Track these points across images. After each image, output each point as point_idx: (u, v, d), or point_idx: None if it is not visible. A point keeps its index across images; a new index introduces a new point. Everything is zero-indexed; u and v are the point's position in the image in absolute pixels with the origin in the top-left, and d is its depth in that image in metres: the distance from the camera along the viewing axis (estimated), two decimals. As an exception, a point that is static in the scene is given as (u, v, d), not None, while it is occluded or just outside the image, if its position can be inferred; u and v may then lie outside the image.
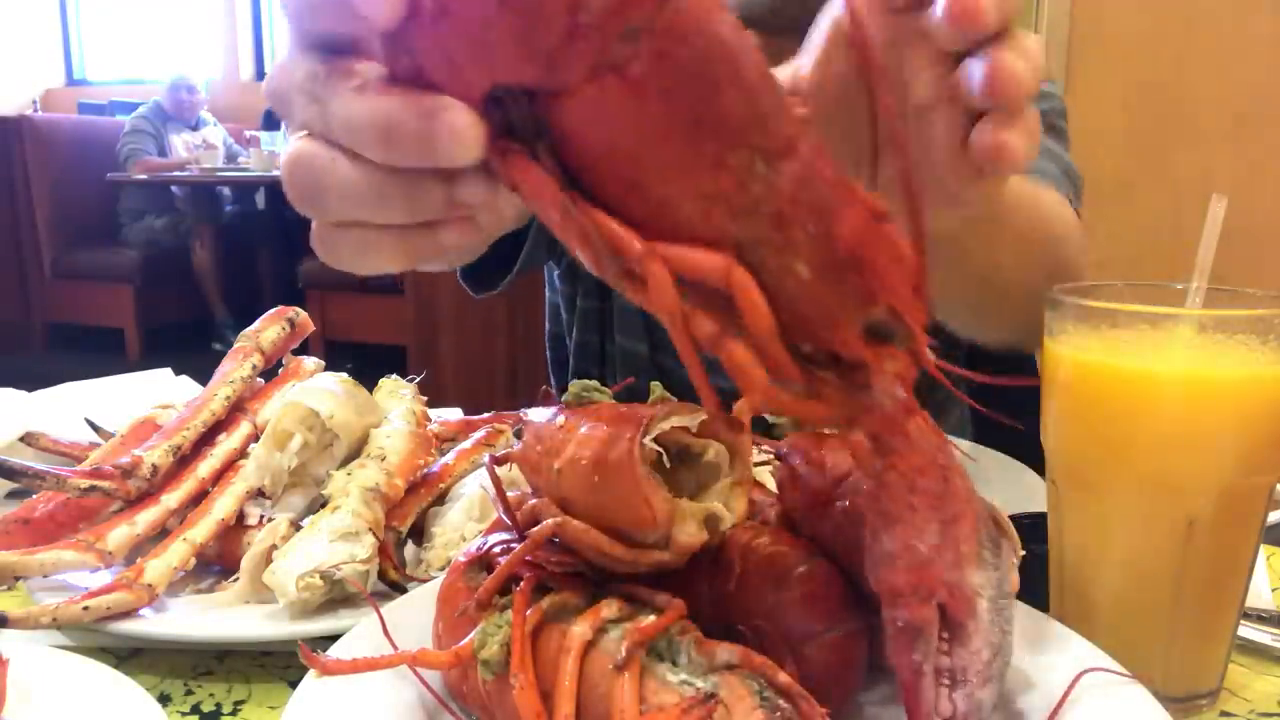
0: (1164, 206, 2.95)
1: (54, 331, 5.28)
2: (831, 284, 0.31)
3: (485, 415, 0.81)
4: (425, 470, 0.68)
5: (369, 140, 0.31)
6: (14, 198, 5.02)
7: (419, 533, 0.66)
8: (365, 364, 1.78)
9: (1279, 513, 0.66)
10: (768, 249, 0.31)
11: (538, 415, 0.46)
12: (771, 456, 0.50)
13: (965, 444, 0.85)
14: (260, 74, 6.55)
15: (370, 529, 0.58)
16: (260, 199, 5.31)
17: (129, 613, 0.55)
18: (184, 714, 0.50)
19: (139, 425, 0.72)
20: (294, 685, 0.43)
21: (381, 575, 0.59)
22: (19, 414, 0.87)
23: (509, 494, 0.47)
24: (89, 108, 6.19)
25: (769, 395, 0.32)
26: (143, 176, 4.93)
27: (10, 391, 0.98)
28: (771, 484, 0.51)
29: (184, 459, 0.67)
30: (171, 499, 0.63)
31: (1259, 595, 0.59)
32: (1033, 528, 0.54)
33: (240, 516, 0.64)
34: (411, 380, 0.79)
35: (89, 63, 7.01)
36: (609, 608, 0.39)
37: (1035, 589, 0.49)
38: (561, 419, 0.44)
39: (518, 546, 0.43)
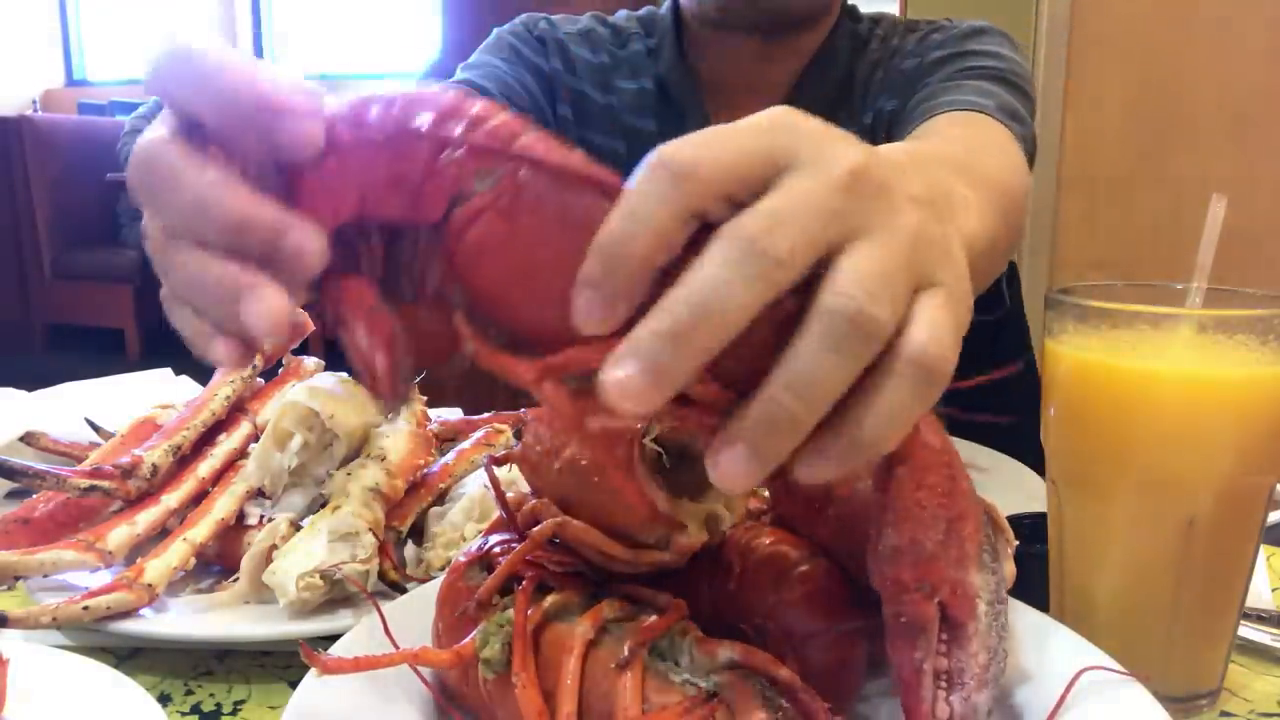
0: (1164, 206, 2.95)
1: (54, 331, 5.28)
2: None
3: (485, 415, 0.81)
4: (425, 470, 0.68)
5: (217, 227, 0.31)
6: (14, 198, 5.02)
7: (419, 533, 0.66)
8: (365, 364, 1.78)
9: (1279, 513, 0.66)
10: None
11: (538, 415, 0.46)
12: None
13: (965, 445, 0.85)
14: (260, 74, 6.55)
15: (370, 529, 0.58)
16: (260, 199, 5.30)
17: (129, 613, 0.55)
18: (184, 714, 0.50)
19: (139, 425, 0.72)
20: (294, 685, 0.43)
21: (381, 575, 0.59)
22: (19, 414, 0.87)
23: (509, 494, 0.47)
24: (89, 108, 6.19)
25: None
26: (143, 176, 4.93)
27: (10, 391, 0.98)
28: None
29: (184, 459, 0.67)
30: (171, 499, 0.63)
31: (1259, 595, 0.59)
32: (1033, 528, 0.55)
33: (240, 516, 0.64)
34: (411, 380, 0.79)
35: (89, 63, 7.01)
36: (610, 607, 0.39)
37: (1035, 589, 0.49)
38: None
39: (518, 546, 0.43)
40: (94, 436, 0.80)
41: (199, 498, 0.65)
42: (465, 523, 0.64)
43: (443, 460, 0.70)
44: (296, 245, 0.30)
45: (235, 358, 0.32)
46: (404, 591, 0.57)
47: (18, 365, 4.39)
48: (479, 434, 0.75)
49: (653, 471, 0.40)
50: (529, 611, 0.40)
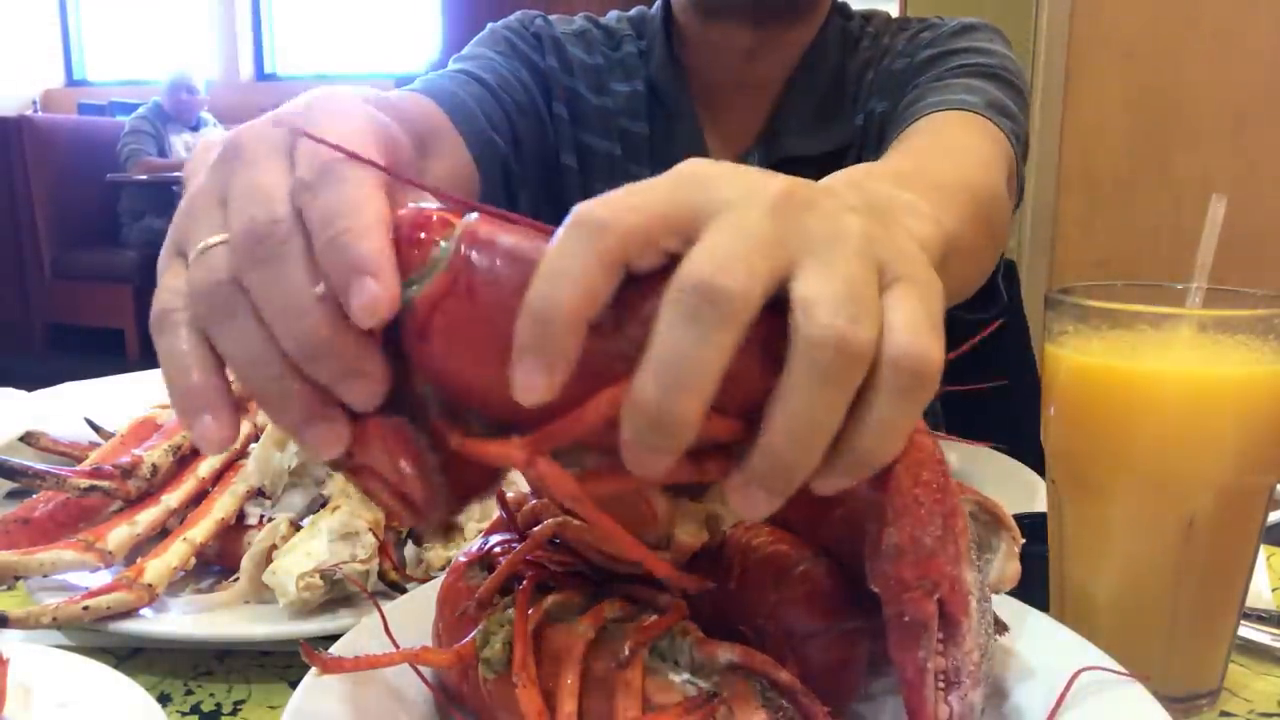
0: (1164, 206, 2.95)
1: (54, 331, 5.28)
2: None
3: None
4: (425, 470, 0.68)
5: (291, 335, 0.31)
6: (14, 198, 5.02)
7: (418, 534, 0.66)
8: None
9: (1279, 513, 0.66)
10: None
11: None
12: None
13: (965, 445, 0.85)
14: (260, 74, 6.55)
15: (370, 529, 0.58)
16: (260, 199, 5.30)
17: (129, 613, 0.55)
18: (184, 714, 0.50)
19: (139, 425, 0.72)
20: (294, 685, 0.43)
21: (381, 575, 0.59)
22: (19, 414, 0.87)
23: (509, 494, 0.47)
24: (89, 108, 6.19)
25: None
26: (143, 177, 4.93)
27: (10, 391, 0.98)
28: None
29: (184, 459, 0.67)
30: (171, 499, 0.63)
31: (1259, 595, 0.59)
32: (1033, 528, 0.54)
33: (240, 516, 0.64)
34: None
35: (89, 63, 7.01)
36: (611, 607, 0.39)
37: (1035, 589, 0.49)
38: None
39: (518, 546, 0.43)
40: (94, 436, 0.80)
41: (199, 498, 0.64)
42: (465, 522, 0.64)
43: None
44: (366, 382, 0.31)
45: (219, 444, 0.33)
46: (404, 591, 0.58)
47: (18, 365, 4.40)
48: (479, 434, 0.75)
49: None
50: (529, 611, 0.40)
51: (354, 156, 0.32)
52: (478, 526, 0.63)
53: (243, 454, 0.69)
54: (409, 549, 0.66)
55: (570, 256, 0.28)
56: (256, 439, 0.68)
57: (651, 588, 0.41)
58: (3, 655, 0.47)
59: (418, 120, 0.75)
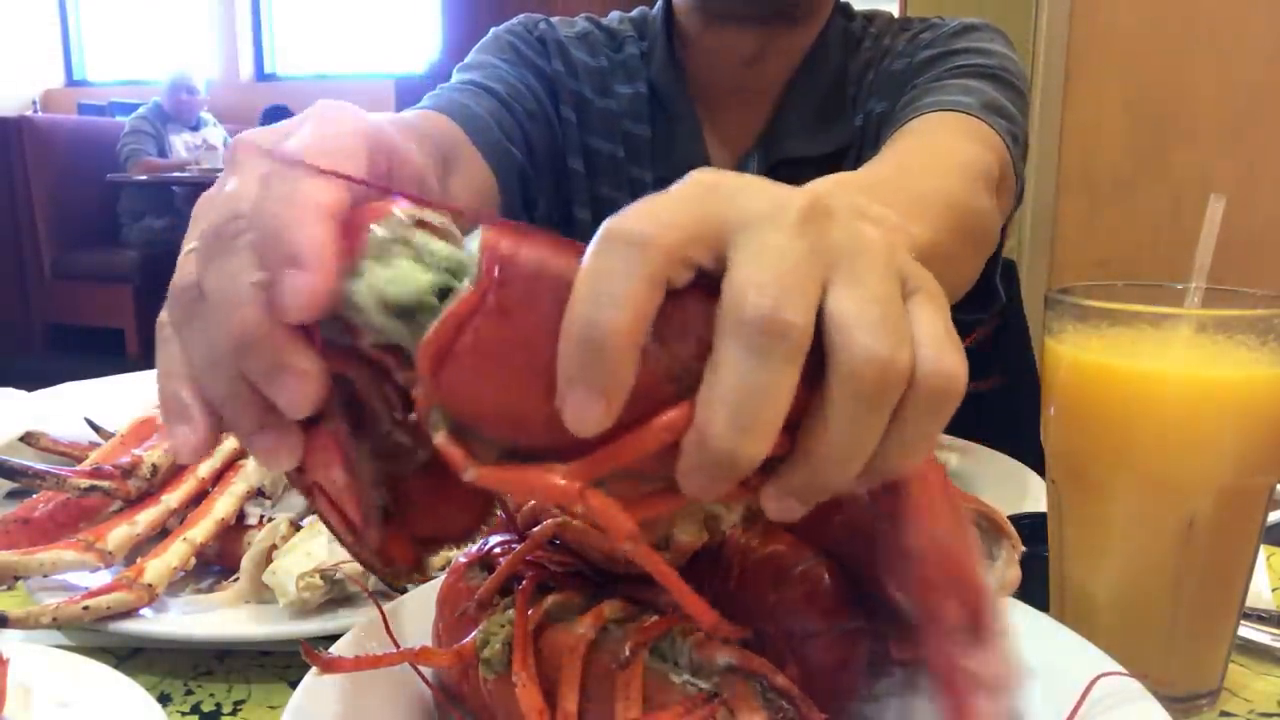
0: (1164, 206, 2.95)
1: (54, 331, 5.28)
2: None
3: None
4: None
5: (225, 341, 0.30)
6: (14, 198, 5.02)
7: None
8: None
9: (1279, 513, 0.66)
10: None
11: None
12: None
13: (965, 445, 0.85)
14: (260, 74, 6.56)
15: (370, 529, 0.58)
16: (260, 199, 5.30)
17: (129, 613, 0.55)
18: (184, 714, 0.50)
19: (139, 425, 0.72)
20: (294, 685, 0.43)
21: (382, 575, 0.59)
22: (19, 414, 0.87)
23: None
24: (89, 108, 6.19)
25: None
26: (143, 177, 4.93)
27: (10, 391, 0.98)
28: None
29: (184, 459, 0.67)
30: (171, 499, 0.63)
31: (1259, 595, 0.59)
32: (1033, 528, 0.55)
33: (240, 516, 0.64)
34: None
35: (89, 63, 7.01)
36: (611, 607, 0.39)
37: (1035, 589, 0.49)
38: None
39: (518, 546, 0.43)
40: (94, 436, 0.80)
41: (199, 498, 0.64)
42: (465, 523, 0.64)
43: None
44: (298, 381, 0.30)
45: (192, 454, 0.32)
46: (404, 591, 0.57)
47: (18, 365, 4.40)
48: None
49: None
50: (529, 612, 0.40)
51: (316, 169, 0.30)
52: (478, 526, 0.63)
53: (243, 454, 0.69)
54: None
55: (614, 276, 0.27)
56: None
57: (651, 588, 0.41)
58: (3, 655, 0.47)
59: (439, 139, 0.74)
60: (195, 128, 5.26)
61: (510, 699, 0.38)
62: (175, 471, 0.66)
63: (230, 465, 0.67)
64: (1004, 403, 0.81)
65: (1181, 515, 0.46)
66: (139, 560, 0.58)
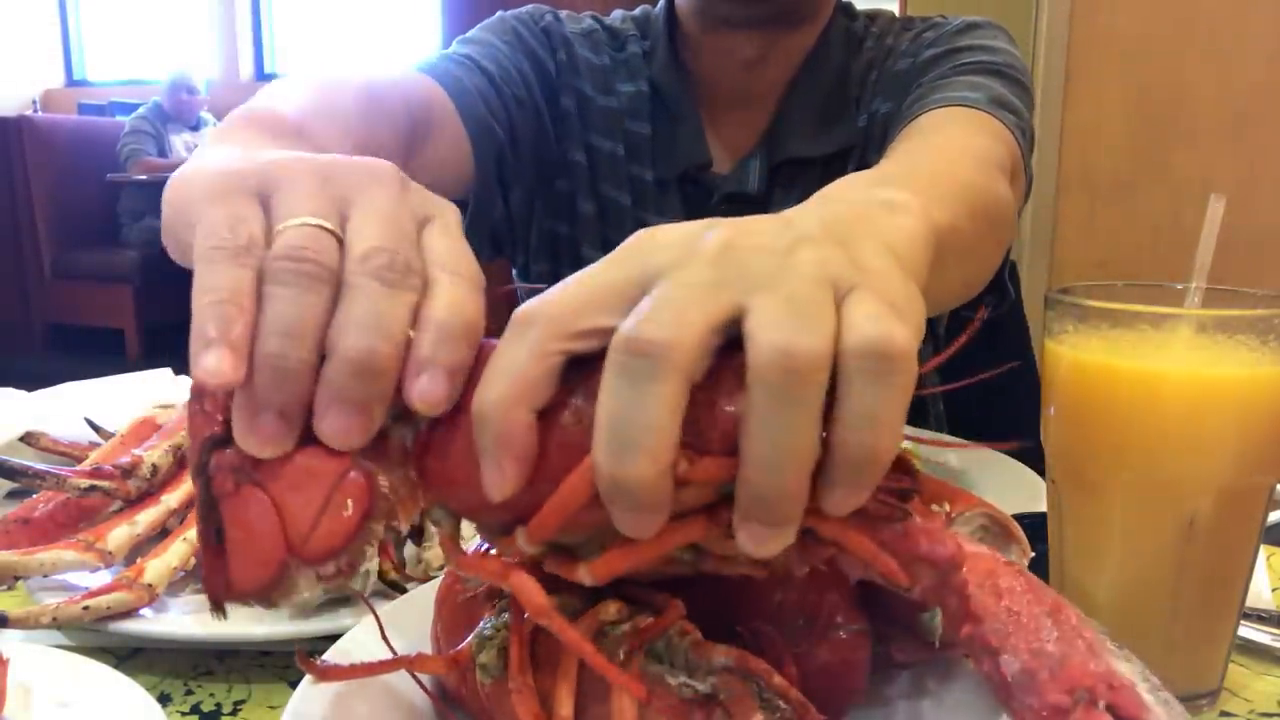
0: (1164, 206, 2.95)
1: (54, 331, 5.28)
2: None
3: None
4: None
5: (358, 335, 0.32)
6: (14, 198, 5.02)
7: (419, 532, 0.66)
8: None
9: (1279, 513, 0.66)
10: None
11: None
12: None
13: (961, 443, 0.85)
14: (260, 74, 6.55)
15: (370, 529, 0.58)
16: (260, 199, 5.30)
17: (129, 613, 0.55)
18: (184, 714, 0.50)
19: (139, 425, 0.72)
20: (294, 685, 0.43)
21: (381, 575, 0.59)
22: (19, 414, 0.87)
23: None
24: (89, 108, 6.19)
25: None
26: (143, 177, 4.93)
27: (10, 391, 0.98)
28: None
29: (184, 459, 0.67)
30: (171, 499, 0.63)
31: (1259, 595, 0.59)
32: (1033, 528, 0.54)
33: (240, 516, 0.64)
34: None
35: (89, 63, 7.01)
36: (607, 610, 0.39)
37: (1035, 589, 0.49)
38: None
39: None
40: (94, 436, 0.80)
41: (199, 498, 0.64)
42: (465, 523, 0.64)
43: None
44: (364, 422, 0.33)
45: (226, 374, 0.32)
46: (404, 591, 0.57)
47: (18, 365, 4.40)
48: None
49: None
50: (526, 614, 0.40)
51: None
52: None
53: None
54: (409, 549, 0.66)
55: (505, 355, 0.31)
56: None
57: (649, 589, 0.41)
58: (3, 655, 0.47)
59: (417, 102, 0.77)
60: (195, 128, 5.26)
61: (507, 702, 0.38)
62: (175, 471, 0.66)
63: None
64: (1004, 403, 0.81)
65: (1181, 515, 0.46)
66: (139, 560, 0.58)
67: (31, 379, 1.06)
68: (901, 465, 0.33)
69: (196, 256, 0.33)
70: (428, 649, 0.46)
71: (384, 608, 0.49)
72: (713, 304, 0.29)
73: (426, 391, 0.32)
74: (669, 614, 0.39)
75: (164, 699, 0.52)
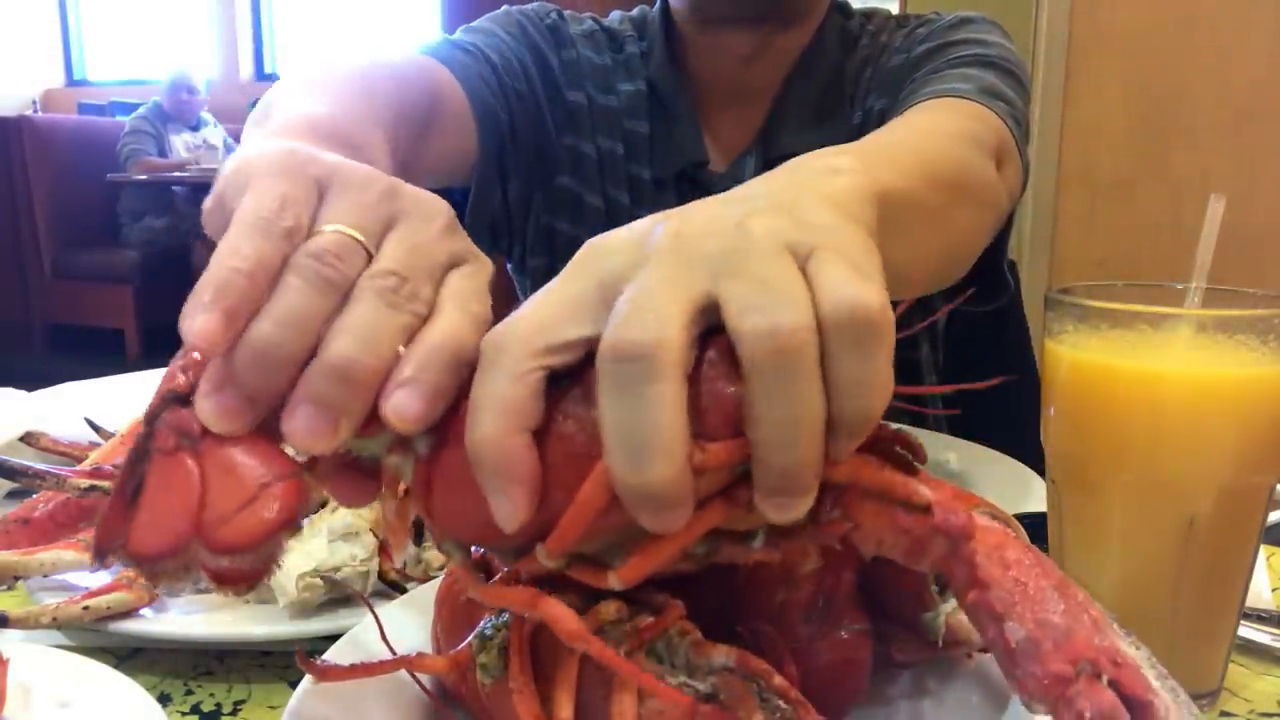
0: (1164, 206, 2.95)
1: (54, 331, 5.28)
2: None
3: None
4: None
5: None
6: (14, 198, 5.02)
7: (419, 532, 0.66)
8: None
9: (1279, 513, 0.66)
10: None
11: None
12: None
13: (965, 445, 0.85)
14: (260, 74, 6.55)
15: (370, 529, 0.58)
16: (260, 199, 5.30)
17: (129, 613, 0.55)
18: (184, 714, 0.50)
19: (139, 425, 0.72)
20: (294, 685, 0.43)
21: (381, 575, 0.59)
22: (19, 414, 0.87)
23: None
24: (89, 108, 6.19)
25: None
26: (143, 177, 4.93)
27: (10, 391, 0.98)
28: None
29: (184, 459, 0.67)
30: (171, 499, 0.63)
31: (1259, 595, 0.59)
32: (1033, 528, 0.54)
33: (240, 517, 0.64)
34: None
35: (89, 63, 7.01)
36: (607, 609, 0.39)
37: (1035, 589, 0.49)
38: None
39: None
40: (94, 436, 0.80)
41: (199, 498, 0.64)
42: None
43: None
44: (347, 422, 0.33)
45: (211, 339, 0.32)
46: (404, 591, 0.57)
47: (18, 365, 4.39)
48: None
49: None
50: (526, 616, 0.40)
51: None
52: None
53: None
54: (409, 549, 0.66)
55: (484, 385, 0.31)
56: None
57: (649, 588, 0.41)
58: (3, 655, 0.47)
59: (422, 90, 0.77)
60: (195, 128, 5.26)
61: (507, 702, 0.38)
62: (175, 472, 0.66)
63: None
64: (1004, 403, 0.81)
65: (1181, 515, 0.46)
66: (139, 560, 0.58)
67: (31, 379, 1.06)
68: (906, 445, 0.34)
69: (236, 219, 0.33)
70: (428, 649, 0.46)
71: (384, 608, 0.49)
72: (685, 295, 0.29)
73: (401, 405, 0.32)
74: (669, 614, 0.39)
75: (164, 699, 0.52)
